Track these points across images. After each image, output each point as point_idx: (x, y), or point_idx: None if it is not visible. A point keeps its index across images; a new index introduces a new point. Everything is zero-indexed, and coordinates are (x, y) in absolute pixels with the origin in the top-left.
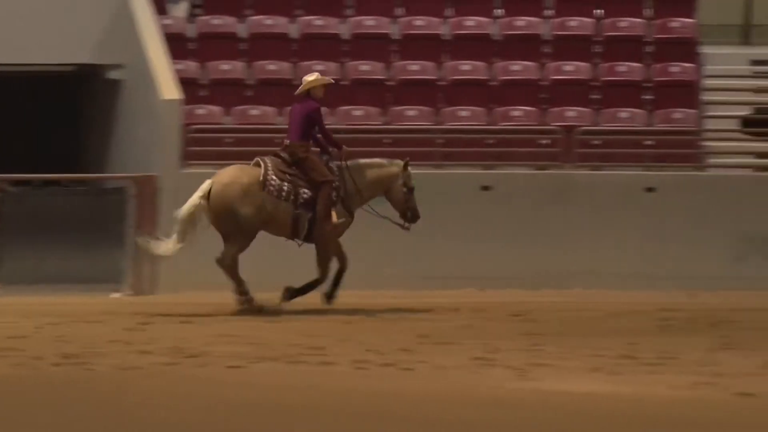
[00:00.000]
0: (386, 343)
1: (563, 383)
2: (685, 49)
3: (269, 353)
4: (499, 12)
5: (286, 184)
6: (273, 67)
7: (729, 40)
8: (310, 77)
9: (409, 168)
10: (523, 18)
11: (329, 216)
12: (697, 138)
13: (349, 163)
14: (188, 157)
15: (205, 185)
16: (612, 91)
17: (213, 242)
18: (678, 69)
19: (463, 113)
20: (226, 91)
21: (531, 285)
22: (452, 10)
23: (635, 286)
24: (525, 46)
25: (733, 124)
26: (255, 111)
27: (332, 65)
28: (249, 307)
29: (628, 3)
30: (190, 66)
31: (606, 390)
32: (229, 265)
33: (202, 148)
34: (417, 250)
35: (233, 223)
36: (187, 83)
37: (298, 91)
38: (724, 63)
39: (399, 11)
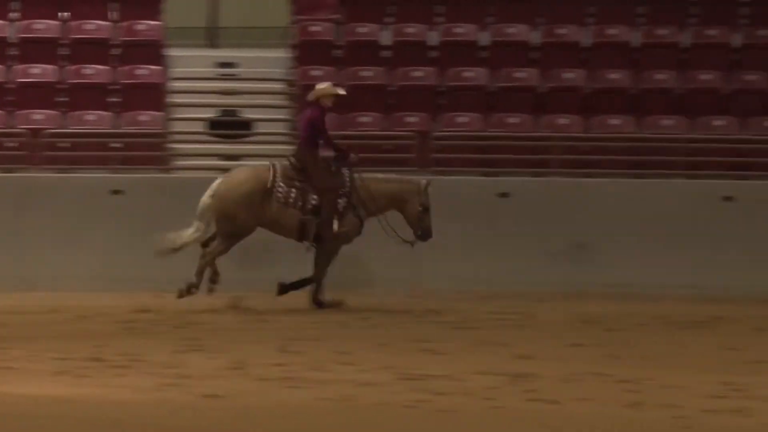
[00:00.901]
0: None
1: (27, 387)
2: (152, 51)
3: None
4: None
5: (293, 190)
6: None
7: (195, 42)
8: (320, 86)
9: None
10: None
11: (330, 224)
12: (164, 140)
13: (366, 174)
14: None
15: (215, 184)
16: (79, 94)
17: None
18: (145, 71)
19: None
20: None
21: None
22: None
23: (103, 288)
24: None
25: (200, 127)
26: None
27: None
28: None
29: (94, 5)
30: None
31: (71, 393)
32: (208, 261)
33: None
34: None
35: (230, 225)
36: None
37: (308, 98)
38: (190, 65)
39: None
